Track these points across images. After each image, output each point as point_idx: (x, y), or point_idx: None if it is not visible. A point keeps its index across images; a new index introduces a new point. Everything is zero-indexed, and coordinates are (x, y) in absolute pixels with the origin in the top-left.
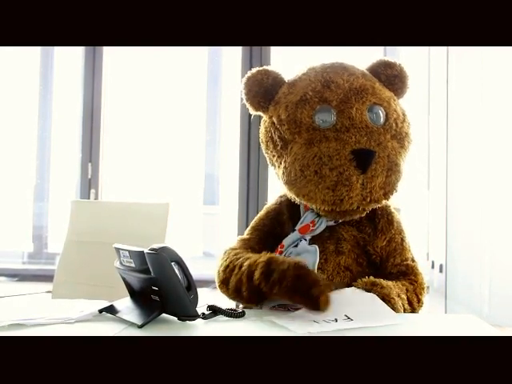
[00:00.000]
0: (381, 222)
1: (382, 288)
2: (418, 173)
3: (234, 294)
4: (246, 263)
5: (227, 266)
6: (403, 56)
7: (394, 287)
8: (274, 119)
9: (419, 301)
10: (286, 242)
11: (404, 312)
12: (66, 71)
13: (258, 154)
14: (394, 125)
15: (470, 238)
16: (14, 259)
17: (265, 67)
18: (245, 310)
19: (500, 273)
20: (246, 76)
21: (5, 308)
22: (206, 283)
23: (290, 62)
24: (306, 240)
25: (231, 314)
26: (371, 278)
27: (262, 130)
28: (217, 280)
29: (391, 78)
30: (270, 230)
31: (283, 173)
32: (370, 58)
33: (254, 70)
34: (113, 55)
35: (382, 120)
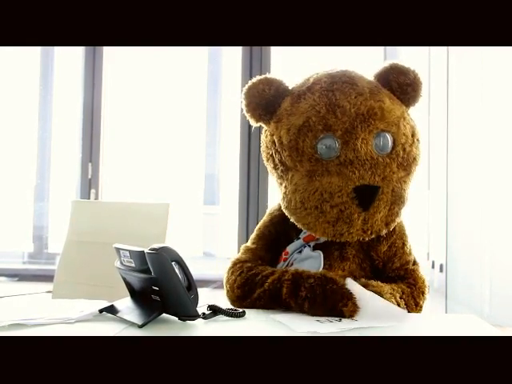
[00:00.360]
0: None
1: (373, 287)
2: (418, 173)
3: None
4: (268, 281)
5: (244, 284)
6: (403, 56)
7: (386, 288)
8: (275, 139)
9: (417, 304)
10: (290, 248)
11: None
12: (66, 71)
13: (258, 154)
14: (401, 152)
15: (470, 237)
16: (15, 259)
17: (267, 76)
18: (245, 310)
19: (500, 273)
20: (247, 86)
21: (5, 308)
22: (206, 283)
23: (290, 62)
24: (310, 246)
25: (231, 313)
26: (362, 279)
27: (263, 141)
28: (230, 295)
29: (404, 86)
30: (276, 238)
31: (283, 198)
32: (369, 58)
33: (255, 79)
34: (113, 55)
35: (388, 147)
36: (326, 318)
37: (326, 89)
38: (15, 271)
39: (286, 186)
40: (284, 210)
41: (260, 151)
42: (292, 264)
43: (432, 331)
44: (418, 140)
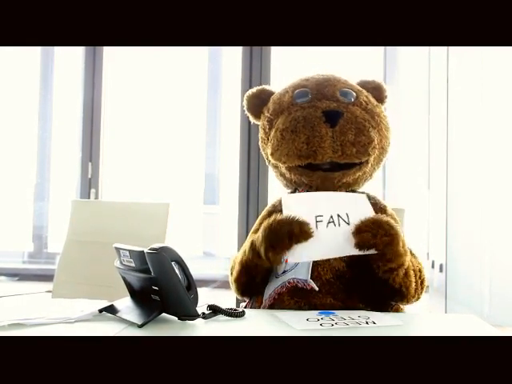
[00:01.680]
0: None
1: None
2: (418, 173)
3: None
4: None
5: (233, 267)
6: (403, 56)
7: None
8: (265, 112)
9: (420, 276)
10: None
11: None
12: (66, 71)
13: (258, 154)
14: (364, 103)
15: (470, 237)
16: (15, 259)
17: (263, 86)
18: (245, 309)
19: (500, 272)
20: (247, 93)
21: (5, 308)
22: (206, 283)
23: (290, 62)
24: None
25: (231, 313)
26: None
27: (259, 129)
28: (233, 285)
29: (370, 90)
30: None
31: (270, 146)
32: (369, 58)
33: (254, 88)
34: (113, 55)
35: (352, 99)
36: (328, 317)
37: (302, 76)
38: (15, 271)
39: (271, 137)
40: (271, 158)
41: (260, 151)
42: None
43: (432, 331)
44: (385, 116)
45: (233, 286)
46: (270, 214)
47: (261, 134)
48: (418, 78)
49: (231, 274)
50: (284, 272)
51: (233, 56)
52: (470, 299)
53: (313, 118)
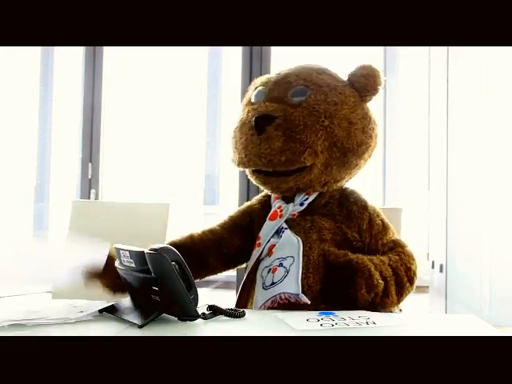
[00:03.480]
0: (353, 210)
1: (355, 257)
2: (418, 173)
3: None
4: None
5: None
6: (403, 56)
7: (366, 258)
8: None
9: (408, 270)
10: (262, 233)
11: (386, 280)
12: (66, 71)
13: None
14: (312, 102)
15: (470, 238)
16: None
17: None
18: (245, 310)
19: (500, 273)
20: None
21: (5, 308)
22: (206, 283)
23: (290, 62)
24: (286, 229)
25: (231, 314)
26: (341, 251)
27: None
28: None
29: (359, 77)
30: (239, 221)
31: None
32: (369, 58)
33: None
34: (113, 55)
35: (303, 98)
36: (328, 318)
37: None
38: None
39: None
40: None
41: None
42: (271, 250)
43: (432, 331)
44: (364, 117)
45: None
46: (245, 209)
47: None
48: (418, 78)
49: None
50: (272, 284)
51: (233, 56)
52: (469, 299)
53: (246, 124)
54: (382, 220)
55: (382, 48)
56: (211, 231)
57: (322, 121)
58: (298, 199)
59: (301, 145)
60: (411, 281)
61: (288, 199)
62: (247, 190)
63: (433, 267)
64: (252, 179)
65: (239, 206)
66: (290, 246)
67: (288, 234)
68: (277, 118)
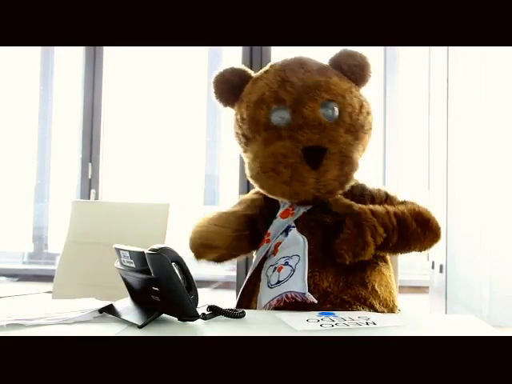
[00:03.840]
0: (363, 197)
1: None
2: (418, 173)
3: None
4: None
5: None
6: (403, 56)
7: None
8: (238, 117)
9: (427, 221)
10: (271, 230)
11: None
12: (66, 71)
13: None
14: (348, 118)
15: (470, 238)
16: (15, 259)
17: (232, 66)
18: (245, 310)
19: (500, 273)
20: (214, 75)
21: (4, 308)
22: (207, 284)
23: None
24: (294, 227)
25: (231, 314)
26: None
27: (233, 123)
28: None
29: (352, 67)
30: (250, 212)
31: (248, 168)
32: (369, 58)
33: (222, 69)
34: (113, 55)
35: (335, 115)
36: (328, 318)
37: (278, 69)
38: (15, 271)
39: (248, 157)
40: (249, 179)
41: None
42: (276, 248)
43: (431, 332)
44: (368, 113)
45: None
46: (260, 201)
47: (235, 131)
48: (418, 78)
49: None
50: (278, 282)
51: (233, 56)
52: (469, 300)
53: (294, 158)
54: (380, 190)
55: (381, 48)
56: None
57: (360, 136)
58: None
59: (352, 165)
60: (428, 226)
61: None
62: (247, 190)
63: (433, 267)
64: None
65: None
66: (296, 244)
67: (294, 233)
68: (327, 149)
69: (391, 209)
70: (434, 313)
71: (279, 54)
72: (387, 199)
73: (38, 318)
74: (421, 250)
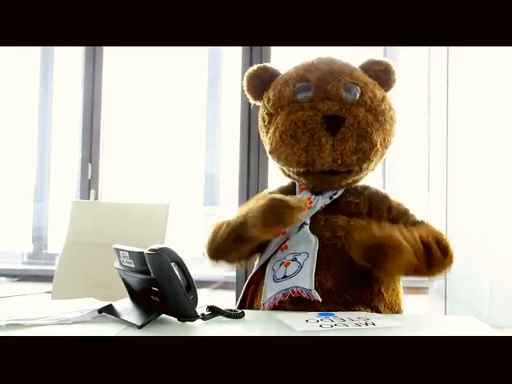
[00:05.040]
0: (374, 201)
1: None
2: (418, 174)
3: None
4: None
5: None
6: (403, 56)
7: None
8: (265, 101)
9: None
10: None
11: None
12: (66, 71)
13: (258, 154)
14: (368, 101)
15: (469, 238)
16: (14, 259)
17: (265, 64)
18: (244, 310)
19: (500, 274)
20: (248, 71)
21: (4, 308)
22: (206, 284)
23: (290, 61)
24: (307, 225)
25: (231, 314)
26: (363, 221)
27: (259, 117)
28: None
29: (378, 72)
30: None
31: (269, 144)
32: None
33: (255, 66)
34: (113, 55)
35: (356, 97)
36: (327, 319)
37: (306, 62)
38: (15, 271)
39: (269, 133)
40: (269, 156)
41: (260, 151)
42: (286, 244)
43: (431, 332)
44: (390, 107)
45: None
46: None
47: (260, 122)
48: (418, 78)
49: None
50: (285, 277)
51: (233, 56)
52: (469, 300)
53: (313, 124)
54: (400, 204)
55: (381, 48)
56: None
57: (380, 119)
58: (328, 193)
59: (369, 144)
60: (444, 253)
61: (316, 192)
62: (247, 190)
63: None
64: (289, 172)
65: (239, 206)
66: (307, 243)
67: (307, 230)
68: (346, 119)
69: (417, 234)
70: (433, 313)
71: (279, 54)
72: (405, 215)
73: (38, 318)
74: (437, 276)
